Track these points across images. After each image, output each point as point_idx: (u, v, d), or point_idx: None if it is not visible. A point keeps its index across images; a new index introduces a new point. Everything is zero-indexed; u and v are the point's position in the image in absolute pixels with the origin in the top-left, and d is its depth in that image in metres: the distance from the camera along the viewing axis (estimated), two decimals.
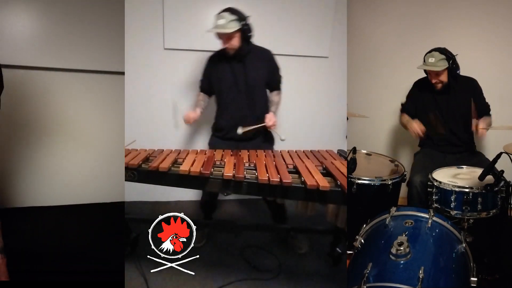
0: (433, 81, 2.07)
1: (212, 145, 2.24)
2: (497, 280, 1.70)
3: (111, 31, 1.97)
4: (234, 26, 1.94)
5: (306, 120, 3.00)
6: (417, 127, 2.12)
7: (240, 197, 3.01)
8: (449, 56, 2.00)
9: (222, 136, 2.22)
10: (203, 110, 2.24)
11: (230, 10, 1.96)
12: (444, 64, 1.99)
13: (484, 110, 2.11)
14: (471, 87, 2.11)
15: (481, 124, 1.97)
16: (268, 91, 2.24)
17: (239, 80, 2.11)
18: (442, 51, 2.01)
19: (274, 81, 2.22)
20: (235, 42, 2.01)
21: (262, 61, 2.15)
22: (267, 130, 2.19)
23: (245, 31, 2.00)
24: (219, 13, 1.98)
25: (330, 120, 3.01)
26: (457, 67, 2.04)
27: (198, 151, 1.89)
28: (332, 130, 3.01)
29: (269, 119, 2.08)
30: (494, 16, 2.35)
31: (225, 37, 1.98)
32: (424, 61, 2.04)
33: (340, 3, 2.76)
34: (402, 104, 2.30)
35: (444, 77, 2.05)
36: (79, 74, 1.95)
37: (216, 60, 2.17)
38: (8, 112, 1.86)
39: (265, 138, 2.26)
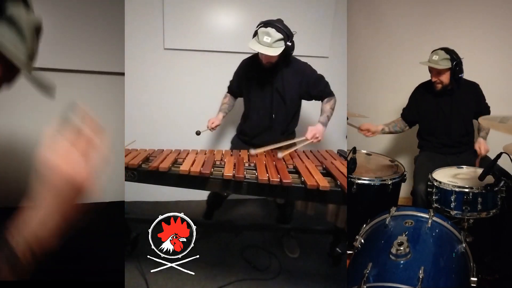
0: (434, 79, 2.06)
1: (234, 145, 2.24)
2: (497, 280, 1.70)
3: (111, 32, 1.97)
4: (279, 47, 1.83)
5: (306, 120, 3.00)
6: (368, 126, 2.15)
7: (240, 197, 3.01)
8: (454, 58, 1.98)
9: (245, 140, 2.21)
10: (226, 114, 2.22)
11: (276, 27, 1.82)
12: (446, 64, 1.97)
13: (485, 112, 2.11)
14: (474, 92, 2.10)
15: (482, 146, 1.97)
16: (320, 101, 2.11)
17: (268, 91, 2.07)
18: (448, 51, 1.99)
19: (315, 91, 2.06)
20: (275, 59, 1.92)
21: (296, 75, 2.04)
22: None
23: (288, 49, 1.89)
24: (264, 25, 1.84)
25: (330, 120, 3.01)
26: (461, 71, 2.01)
27: (198, 151, 1.89)
28: (332, 130, 3.01)
29: (309, 131, 1.86)
30: (496, 17, 2.35)
31: (267, 55, 1.87)
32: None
33: (340, 3, 2.76)
34: (403, 109, 2.28)
35: (445, 78, 2.03)
36: (78, 74, 1.94)
37: (250, 65, 2.12)
38: (7, 113, 1.85)
39: (290, 133, 2.22)
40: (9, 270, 0.64)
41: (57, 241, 0.68)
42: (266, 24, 1.85)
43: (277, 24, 1.83)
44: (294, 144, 1.88)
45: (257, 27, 1.89)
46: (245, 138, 2.21)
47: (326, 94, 2.06)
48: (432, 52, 2.03)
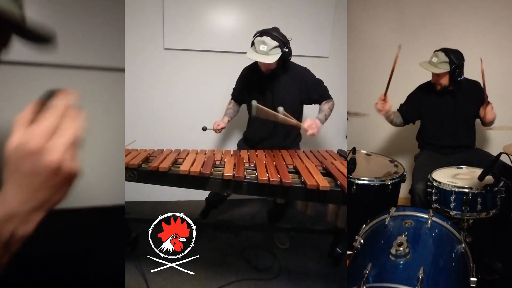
0: (433, 81, 2.06)
1: (240, 148, 2.27)
2: (497, 280, 1.70)
3: (111, 27, 1.97)
4: (276, 54, 1.89)
5: (306, 120, 3.00)
6: (385, 105, 2.08)
7: (240, 197, 3.01)
8: (453, 61, 1.95)
9: (250, 146, 2.24)
10: (231, 118, 2.28)
11: (271, 35, 1.88)
12: (444, 68, 1.95)
13: None
14: (476, 91, 2.09)
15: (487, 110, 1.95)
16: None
17: (268, 98, 2.10)
18: (448, 53, 1.95)
19: (315, 95, 2.13)
20: (274, 66, 1.99)
21: (296, 80, 2.09)
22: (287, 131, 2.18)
23: (285, 55, 1.94)
24: (260, 35, 1.90)
25: (330, 120, 3.01)
26: (460, 75, 1.99)
27: (198, 151, 1.89)
28: (332, 130, 3.01)
29: (307, 121, 1.95)
30: (498, 16, 2.34)
31: (265, 63, 1.94)
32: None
33: (340, 3, 2.76)
34: (401, 105, 2.26)
35: (444, 81, 2.02)
36: (78, 71, 1.94)
37: (250, 73, 2.18)
38: (6, 111, 1.85)
39: (293, 139, 2.26)
40: None
41: (32, 225, 0.61)
42: (261, 33, 1.91)
43: (272, 33, 1.90)
44: (288, 122, 1.94)
45: (253, 36, 1.95)
46: (250, 144, 2.26)
47: (325, 98, 2.14)
48: (434, 53, 2.01)
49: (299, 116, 2.20)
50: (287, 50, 1.94)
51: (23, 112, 0.60)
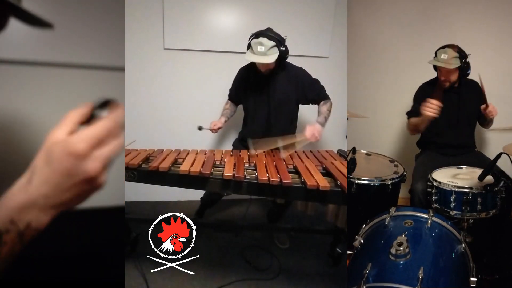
0: (442, 78, 2.01)
1: (235, 147, 2.28)
2: (497, 280, 1.70)
3: (111, 28, 1.97)
4: (274, 54, 1.91)
5: (306, 120, 3.00)
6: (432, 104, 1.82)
7: (240, 197, 3.01)
8: (462, 55, 1.95)
9: (245, 146, 2.22)
10: (228, 119, 2.28)
11: (267, 35, 1.90)
12: (456, 63, 1.93)
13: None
14: (477, 91, 2.08)
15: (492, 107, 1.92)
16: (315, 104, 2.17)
17: (265, 97, 2.13)
18: (456, 48, 1.95)
19: (311, 95, 2.12)
20: (272, 66, 2.02)
21: (291, 79, 2.11)
22: None
23: (283, 54, 1.97)
24: (256, 36, 1.92)
25: (330, 120, 3.01)
26: (468, 67, 1.99)
27: (198, 151, 1.89)
28: (332, 130, 3.01)
29: (308, 130, 1.89)
30: (498, 15, 2.34)
31: (263, 64, 1.98)
32: (435, 56, 1.98)
33: (340, 3, 2.76)
34: (408, 112, 2.17)
35: (454, 77, 2.00)
36: (78, 70, 1.94)
37: (246, 73, 2.19)
38: (6, 110, 1.85)
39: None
40: None
41: (47, 220, 0.61)
42: (257, 35, 1.92)
43: (268, 33, 1.91)
44: (293, 144, 1.90)
45: (249, 39, 1.97)
46: (245, 144, 2.24)
47: (322, 97, 2.13)
48: (439, 50, 1.98)
49: (294, 117, 2.24)
50: (283, 49, 1.95)
51: (76, 110, 0.61)
